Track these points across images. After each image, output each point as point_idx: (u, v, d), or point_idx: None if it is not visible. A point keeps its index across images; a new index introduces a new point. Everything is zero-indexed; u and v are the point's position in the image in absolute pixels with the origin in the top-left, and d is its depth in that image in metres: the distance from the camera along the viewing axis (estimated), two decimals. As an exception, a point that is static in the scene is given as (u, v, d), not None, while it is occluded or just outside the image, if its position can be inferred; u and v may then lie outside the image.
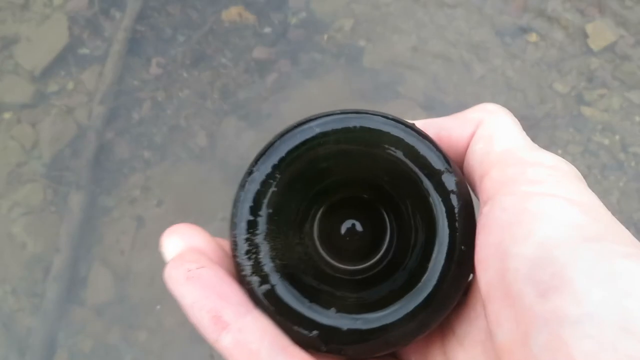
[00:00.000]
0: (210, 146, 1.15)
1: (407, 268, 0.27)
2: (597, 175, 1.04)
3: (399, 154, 0.26)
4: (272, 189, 0.26)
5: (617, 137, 1.07)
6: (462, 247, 0.25)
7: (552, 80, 1.11)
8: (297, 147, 0.27)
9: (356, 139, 0.27)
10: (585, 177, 0.93)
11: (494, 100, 1.10)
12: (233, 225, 0.26)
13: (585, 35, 1.14)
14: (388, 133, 0.26)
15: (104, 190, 1.11)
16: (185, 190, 1.12)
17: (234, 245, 0.26)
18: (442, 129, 0.28)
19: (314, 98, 1.18)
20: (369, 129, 0.27)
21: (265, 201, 0.26)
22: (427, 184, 0.26)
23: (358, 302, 0.27)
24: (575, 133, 1.08)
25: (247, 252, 0.26)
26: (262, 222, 0.26)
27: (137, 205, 1.10)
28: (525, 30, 1.15)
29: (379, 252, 0.29)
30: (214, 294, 0.25)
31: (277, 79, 1.20)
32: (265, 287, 0.26)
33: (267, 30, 1.24)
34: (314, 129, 0.27)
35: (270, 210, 0.26)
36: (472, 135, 0.28)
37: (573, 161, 1.05)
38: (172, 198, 1.12)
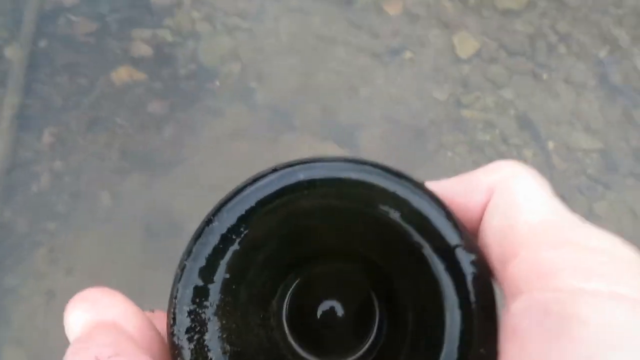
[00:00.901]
0: (116, 205, 1.14)
1: None
2: (486, 169, 1.12)
3: (402, 218, 0.20)
4: (234, 247, 0.20)
5: (497, 131, 1.16)
6: (482, 350, 0.19)
7: (431, 90, 1.19)
8: (273, 197, 0.21)
9: (350, 195, 0.21)
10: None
11: (382, 116, 1.17)
12: (174, 292, 0.20)
13: (453, 47, 1.24)
14: (391, 191, 0.20)
15: (7, 270, 1.06)
16: (97, 255, 1.09)
17: (172, 320, 0.19)
18: (449, 195, 0.22)
19: (217, 141, 1.20)
20: (368, 183, 0.21)
21: (223, 263, 0.20)
22: (436, 261, 0.20)
23: None
24: (459, 134, 1.15)
25: (189, 330, 0.19)
26: (214, 290, 0.20)
27: (46, 279, 1.06)
28: (398, 50, 1.24)
29: (363, 346, 0.23)
30: None
31: (176, 129, 1.22)
32: None
33: (159, 85, 1.27)
34: (298, 174, 0.21)
35: (228, 276, 0.20)
36: (484, 206, 0.22)
37: (461, 160, 1.13)
38: (84, 265, 1.09)
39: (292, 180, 0.21)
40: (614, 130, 1.16)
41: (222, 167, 1.16)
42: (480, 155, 1.14)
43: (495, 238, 0.21)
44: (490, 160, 1.17)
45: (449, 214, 0.21)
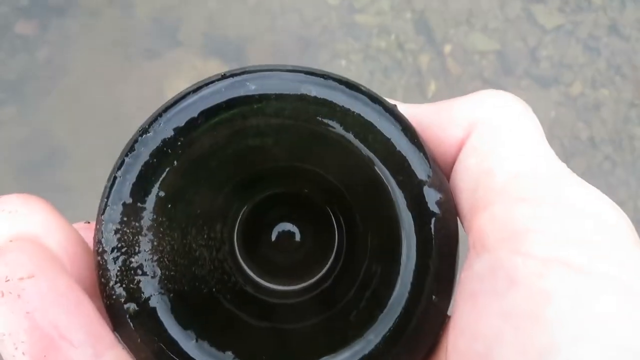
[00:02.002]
0: (-9, 141, 1.06)
1: (350, 308, 0.19)
2: (380, 78, 1.08)
3: (367, 144, 0.18)
4: (171, 163, 0.17)
5: (392, 37, 1.10)
6: (433, 297, 0.17)
7: (322, -5, 1.11)
8: (218, 109, 0.17)
9: (308, 114, 0.17)
10: (368, 82, 0.93)
11: (271, 26, 1.09)
12: (101, 207, 0.17)
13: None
14: (356, 113, 0.17)
15: None
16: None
17: (98, 239, 0.17)
18: (423, 124, 0.19)
19: (95, 61, 1.11)
20: (329, 102, 0.17)
21: (157, 179, 0.17)
22: (399, 196, 0.17)
23: (269, 346, 0.18)
24: (353, 42, 1.10)
25: (115, 249, 0.17)
26: (147, 208, 0.17)
27: None
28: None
29: (317, 274, 0.21)
30: (47, 325, 0.15)
31: (49, 53, 1.11)
32: (134, 307, 0.17)
33: (25, 2, 1.14)
34: (248, 86, 0.17)
35: (163, 194, 0.18)
36: (461, 143, 0.19)
37: (356, 69, 1.08)
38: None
39: (241, 91, 0.17)
40: (512, 30, 1.12)
41: (101, 86, 1.08)
42: (375, 63, 1.09)
43: (468, 183, 0.18)
44: (384, 69, 1.12)
45: (419, 145, 0.18)
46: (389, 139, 0.18)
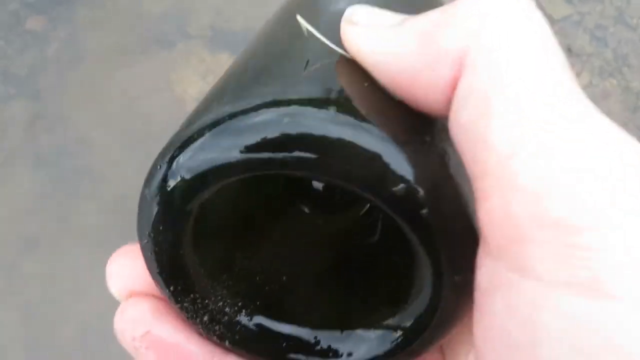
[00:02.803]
0: (3, 136, 1.07)
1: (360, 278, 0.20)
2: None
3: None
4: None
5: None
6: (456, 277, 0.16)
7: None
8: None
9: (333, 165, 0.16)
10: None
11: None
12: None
13: None
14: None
15: None
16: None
17: (147, 263, 0.18)
18: (406, 74, 0.15)
19: (104, 56, 1.11)
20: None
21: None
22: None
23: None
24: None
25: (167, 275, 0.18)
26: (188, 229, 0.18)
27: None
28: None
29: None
30: None
31: (59, 47, 1.12)
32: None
33: (34, -3, 1.15)
34: (282, 123, 0.15)
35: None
36: (453, 85, 0.15)
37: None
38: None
39: (274, 132, 0.15)
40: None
41: (113, 80, 1.09)
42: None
43: (465, 150, 0.14)
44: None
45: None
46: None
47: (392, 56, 0.16)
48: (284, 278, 0.21)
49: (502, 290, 0.13)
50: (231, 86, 0.18)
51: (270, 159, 0.15)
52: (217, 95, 0.18)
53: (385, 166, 0.15)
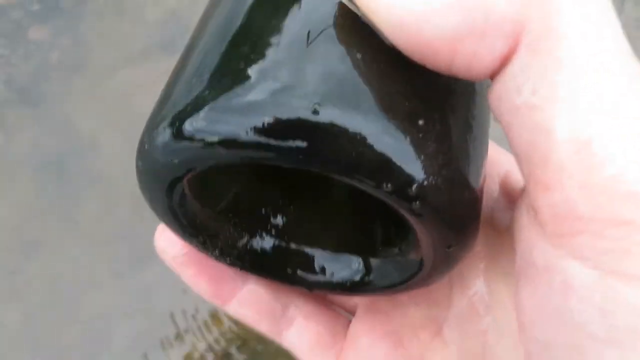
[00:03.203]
0: (6, 143, 1.09)
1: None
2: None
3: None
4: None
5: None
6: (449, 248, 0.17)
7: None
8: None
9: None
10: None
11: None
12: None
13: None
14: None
15: None
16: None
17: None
18: (446, 50, 0.13)
19: (108, 66, 1.14)
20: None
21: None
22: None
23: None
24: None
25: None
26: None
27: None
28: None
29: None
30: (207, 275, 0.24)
31: (61, 56, 1.14)
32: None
33: (37, 7, 1.17)
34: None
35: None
36: (504, 60, 0.13)
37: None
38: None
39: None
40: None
41: (116, 84, 1.11)
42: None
43: (519, 136, 0.13)
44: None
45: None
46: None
47: (423, 15, 0.13)
48: (291, 207, 0.24)
49: (561, 273, 0.13)
50: (212, 65, 0.17)
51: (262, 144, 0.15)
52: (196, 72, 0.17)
53: (377, 160, 0.14)
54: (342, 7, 0.15)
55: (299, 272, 0.22)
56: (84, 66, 1.14)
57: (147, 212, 0.20)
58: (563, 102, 0.12)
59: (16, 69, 1.14)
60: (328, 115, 0.14)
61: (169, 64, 0.20)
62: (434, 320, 0.21)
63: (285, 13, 0.16)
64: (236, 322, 0.92)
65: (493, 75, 0.14)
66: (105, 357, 0.87)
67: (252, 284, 0.24)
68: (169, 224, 0.21)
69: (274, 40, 0.15)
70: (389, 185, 0.15)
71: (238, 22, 0.17)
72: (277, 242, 0.23)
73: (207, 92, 0.16)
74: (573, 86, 0.12)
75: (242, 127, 0.15)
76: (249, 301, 0.24)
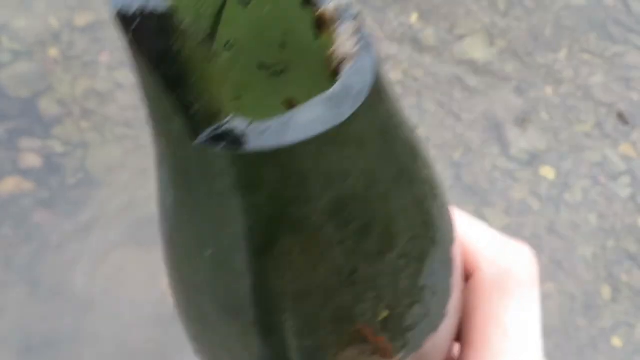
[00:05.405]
0: (-4, 321, 1.15)
1: None
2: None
3: None
4: None
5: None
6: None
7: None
8: None
9: None
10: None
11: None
12: None
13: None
14: None
15: None
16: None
17: None
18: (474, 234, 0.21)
19: (101, 250, 1.24)
20: None
21: None
22: None
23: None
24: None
25: None
26: None
27: None
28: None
29: None
30: None
31: (60, 240, 1.25)
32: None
33: (46, 195, 1.31)
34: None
35: None
36: (473, 271, 0.21)
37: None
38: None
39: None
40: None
41: (109, 277, 1.20)
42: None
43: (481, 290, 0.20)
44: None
45: None
46: None
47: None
48: None
49: None
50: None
51: None
52: None
53: None
54: None
55: None
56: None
57: None
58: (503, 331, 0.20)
59: (16, 250, 1.23)
60: None
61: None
62: None
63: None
64: None
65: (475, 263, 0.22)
66: None
67: None
68: None
69: None
70: None
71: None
72: None
73: None
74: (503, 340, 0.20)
75: None
76: None
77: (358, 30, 0.13)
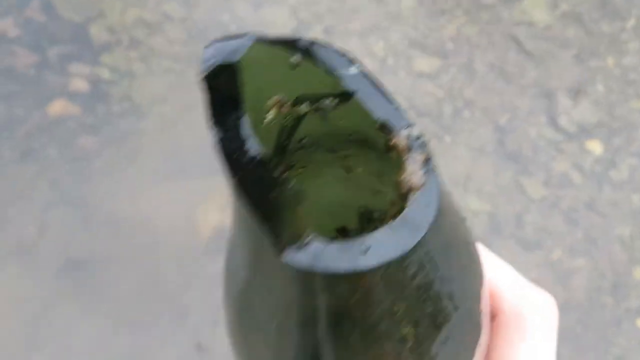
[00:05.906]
0: (40, 238, 1.21)
1: None
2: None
3: None
4: None
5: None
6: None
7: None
8: None
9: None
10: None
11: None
12: None
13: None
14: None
15: None
16: (15, 287, 1.17)
17: None
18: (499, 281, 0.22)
19: (143, 179, 1.28)
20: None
21: None
22: None
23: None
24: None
25: None
26: None
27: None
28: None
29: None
30: None
31: (104, 166, 1.29)
32: None
33: (91, 120, 1.34)
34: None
35: None
36: (512, 313, 0.22)
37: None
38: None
39: None
40: (503, 195, 1.29)
41: (149, 205, 1.24)
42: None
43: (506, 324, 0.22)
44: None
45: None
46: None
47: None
48: None
49: None
50: None
51: None
52: None
53: None
54: None
55: None
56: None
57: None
58: None
59: (62, 172, 1.28)
60: None
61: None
62: None
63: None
64: None
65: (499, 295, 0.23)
66: None
67: None
68: None
69: None
70: None
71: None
72: None
73: None
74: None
75: None
76: None
77: (427, 162, 0.15)
